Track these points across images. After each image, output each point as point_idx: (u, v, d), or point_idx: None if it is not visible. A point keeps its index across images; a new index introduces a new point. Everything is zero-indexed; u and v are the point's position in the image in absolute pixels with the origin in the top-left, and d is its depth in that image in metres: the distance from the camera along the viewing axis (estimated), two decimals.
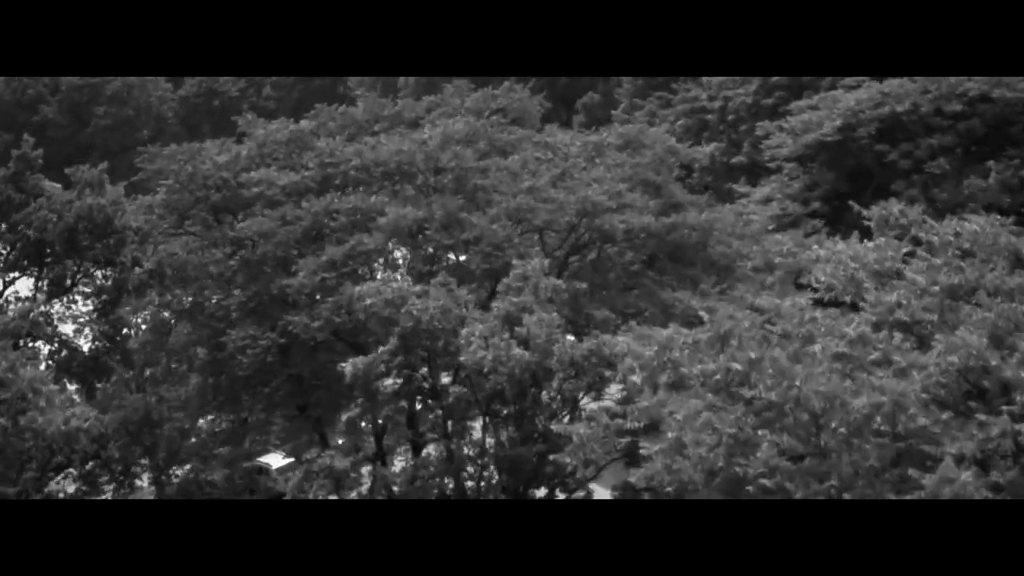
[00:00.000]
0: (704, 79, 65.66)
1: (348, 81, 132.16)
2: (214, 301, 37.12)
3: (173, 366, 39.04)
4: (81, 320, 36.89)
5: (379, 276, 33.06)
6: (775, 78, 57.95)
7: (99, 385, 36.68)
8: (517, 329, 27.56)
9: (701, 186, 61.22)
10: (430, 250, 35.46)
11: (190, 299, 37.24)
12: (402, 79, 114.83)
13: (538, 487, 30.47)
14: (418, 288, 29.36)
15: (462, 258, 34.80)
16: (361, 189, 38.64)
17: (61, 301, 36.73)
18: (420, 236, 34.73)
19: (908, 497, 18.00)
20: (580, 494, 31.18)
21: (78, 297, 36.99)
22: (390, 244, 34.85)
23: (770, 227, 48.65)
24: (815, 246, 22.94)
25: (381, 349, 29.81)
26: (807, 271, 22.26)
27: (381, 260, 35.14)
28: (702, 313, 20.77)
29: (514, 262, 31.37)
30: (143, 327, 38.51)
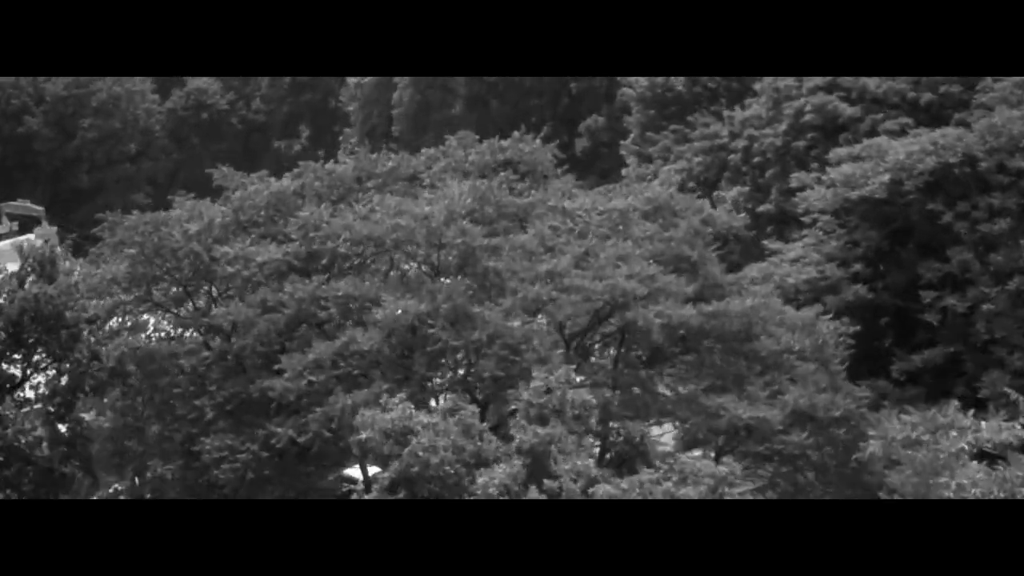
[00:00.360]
0: (725, 114, 60.68)
1: (340, 96, 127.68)
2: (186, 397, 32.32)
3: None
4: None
5: (374, 388, 28.09)
6: (807, 118, 52.87)
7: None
8: (547, 482, 22.64)
9: (722, 234, 56.29)
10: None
11: (158, 397, 32.36)
12: (396, 97, 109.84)
13: None
14: (424, 418, 24.37)
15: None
16: (353, 264, 33.81)
17: (8, 402, 31.71)
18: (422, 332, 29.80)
19: None
20: None
21: (31, 394, 31.96)
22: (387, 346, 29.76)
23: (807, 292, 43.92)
24: (953, 432, 17.96)
25: (380, 476, 25.12)
26: (947, 469, 17.31)
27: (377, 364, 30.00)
28: None
29: (535, 373, 26.58)
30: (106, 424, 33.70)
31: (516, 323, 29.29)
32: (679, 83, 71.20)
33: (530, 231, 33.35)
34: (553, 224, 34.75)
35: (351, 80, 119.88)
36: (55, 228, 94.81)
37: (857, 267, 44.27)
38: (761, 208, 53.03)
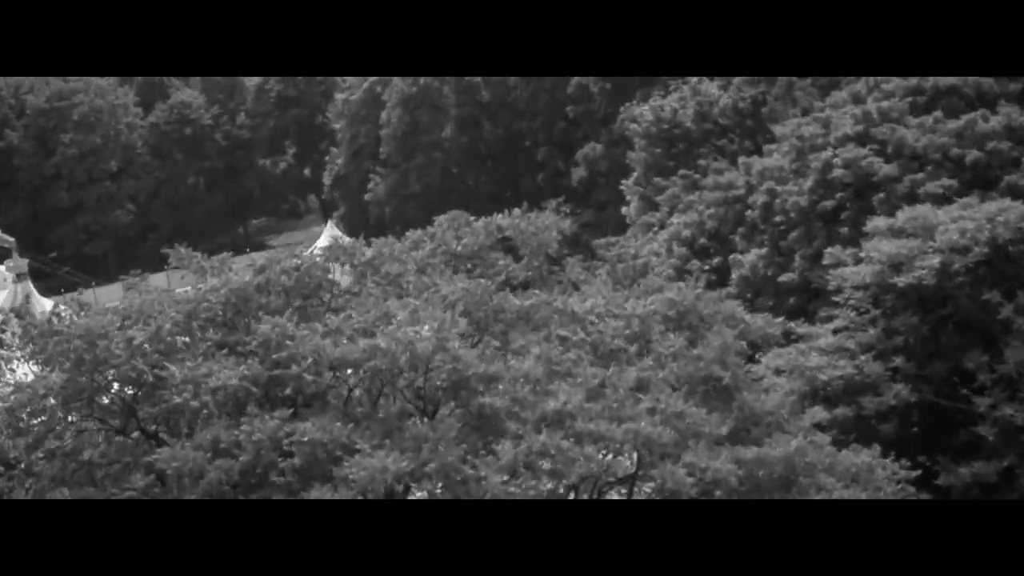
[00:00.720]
0: (741, 161, 55.51)
1: (327, 112, 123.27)
2: None
3: None
4: None
5: None
6: (836, 173, 47.66)
7: None
8: None
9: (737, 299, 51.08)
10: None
11: None
12: (384, 116, 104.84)
13: None
14: None
15: None
16: (324, 386, 28.64)
17: None
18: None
19: None
20: None
21: None
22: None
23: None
24: None
25: None
26: None
27: None
28: None
29: None
30: None
31: (517, 487, 24.09)
32: (687, 119, 66.33)
33: (534, 351, 28.16)
34: (561, 334, 29.67)
35: (339, 96, 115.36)
36: (27, 260, 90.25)
37: (897, 361, 38.95)
38: (783, 277, 47.78)
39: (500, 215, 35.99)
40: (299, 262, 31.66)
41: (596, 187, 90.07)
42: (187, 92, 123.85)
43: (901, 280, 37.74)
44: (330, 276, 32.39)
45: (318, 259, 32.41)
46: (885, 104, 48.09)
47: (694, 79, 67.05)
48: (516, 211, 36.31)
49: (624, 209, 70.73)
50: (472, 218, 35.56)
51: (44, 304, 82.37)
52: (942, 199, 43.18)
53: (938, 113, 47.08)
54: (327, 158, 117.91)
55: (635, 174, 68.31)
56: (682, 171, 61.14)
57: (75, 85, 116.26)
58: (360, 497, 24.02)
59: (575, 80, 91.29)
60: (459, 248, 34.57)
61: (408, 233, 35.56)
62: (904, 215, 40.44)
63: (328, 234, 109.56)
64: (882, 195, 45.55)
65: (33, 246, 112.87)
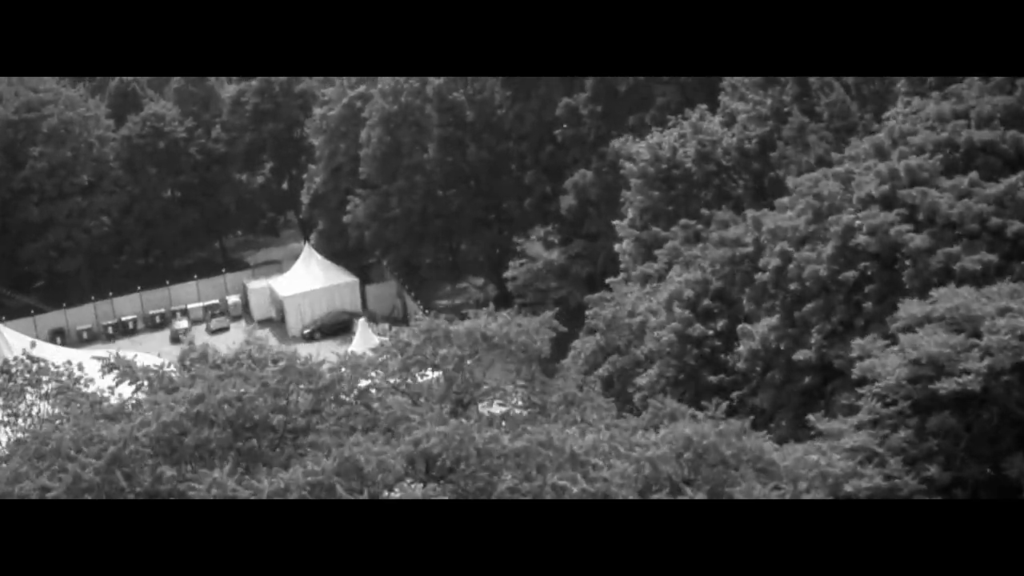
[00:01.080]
0: (749, 215, 50.58)
1: (305, 127, 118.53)
2: None
3: None
4: None
5: None
6: (859, 240, 42.72)
7: None
8: None
9: (745, 373, 46.46)
10: None
11: None
12: (364, 135, 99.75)
13: None
14: None
15: None
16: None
17: None
18: None
19: None
20: None
21: None
22: None
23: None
24: None
25: None
26: None
27: None
28: None
29: None
30: None
31: None
32: (687, 159, 61.51)
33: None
34: (559, 483, 24.92)
35: (317, 111, 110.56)
36: None
37: (932, 470, 34.04)
38: (798, 355, 42.79)
39: (486, 315, 31.46)
40: (242, 390, 26.89)
41: (586, 217, 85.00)
42: (161, 104, 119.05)
43: (943, 387, 32.91)
44: (285, 401, 27.68)
45: (270, 382, 27.68)
46: (914, 162, 43.07)
47: (695, 115, 62.26)
48: (505, 313, 31.73)
49: (617, 246, 65.98)
50: (445, 326, 30.75)
51: (13, 345, 76.56)
52: (980, 277, 38.42)
53: (973, 174, 42.07)
54: (305, 175, 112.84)
55: (629, 215, 63.39)
56: (683, 220, 56.21)
57: (44, 96, 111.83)
58: None
59: (564, 101, 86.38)
60: (437, 360, 29.97)
61: (379, 341, 30.77)
62: (943, 303, 35.57)
63: (305, 258, 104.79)
64: (911, 268, 40.62)
65: (4, 261, 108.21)
